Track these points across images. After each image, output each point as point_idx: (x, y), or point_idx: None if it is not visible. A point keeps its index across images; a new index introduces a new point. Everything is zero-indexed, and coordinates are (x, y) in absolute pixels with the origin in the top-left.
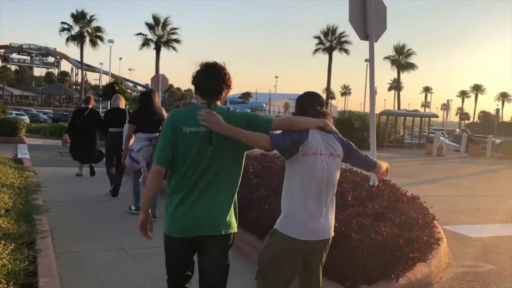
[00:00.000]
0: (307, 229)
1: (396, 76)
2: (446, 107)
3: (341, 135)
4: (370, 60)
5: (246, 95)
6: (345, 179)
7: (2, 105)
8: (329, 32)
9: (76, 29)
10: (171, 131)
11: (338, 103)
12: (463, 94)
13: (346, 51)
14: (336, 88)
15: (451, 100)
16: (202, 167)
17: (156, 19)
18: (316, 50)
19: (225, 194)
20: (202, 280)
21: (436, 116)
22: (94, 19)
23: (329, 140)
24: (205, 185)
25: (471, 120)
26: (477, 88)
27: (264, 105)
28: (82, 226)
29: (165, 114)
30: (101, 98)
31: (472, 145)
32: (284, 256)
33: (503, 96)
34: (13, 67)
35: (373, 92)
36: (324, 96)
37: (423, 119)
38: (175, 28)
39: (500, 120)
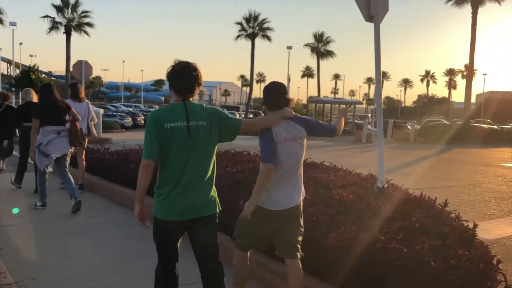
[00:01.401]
0: (279, 202)
1: (309, 63)
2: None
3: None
4: (376, 44)
5: (159, 83)
6: (344, 180)
7: None
8: (251, 18)
9: None
10: (154, 127)
11: (254, 91)
12: (369, 81)
13: (268, 37)
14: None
15: (360, 86)
16: (185, 157)
17: (64, 1)
18: (238, 36)
19: (208, 179)
20: (200, 252)
21: (361, 103)
22: None
23: (289, 127)
24: (191, 173)
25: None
26: (383, 75)
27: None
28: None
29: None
30: (13, 89)
31: (396, 131)
32: (261, 222)
33: (405, 82)
34: None
35: (379, 79)
36: (240, 83)
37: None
38: (87, 11)
39: (403, 105)
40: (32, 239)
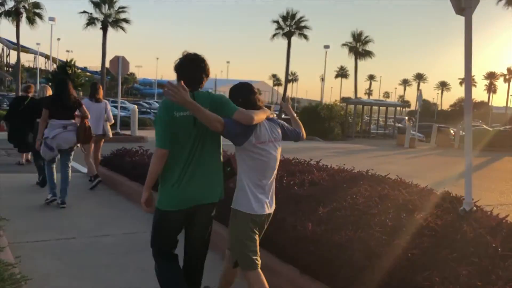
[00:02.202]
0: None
1: (343, 64)
2: (419, 97)
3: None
4: (466, 39)
5: None
6: (421, 199)
7: None
8: (288, 16)
9: (10, 4)
10: (167, 115)
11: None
12: (405, 83)
13: (305, 36)
14: (282, 75)
15: (396, 88)
16: (192, 146)
17: None
18: (274, 35)
19: (214, 167)
20: (190, 248)
21: (408, 106)
22: None
23: (272, 128)
24: (197, 161)
25: (412, 108)
26: (419, 77)
27: (210, 90)
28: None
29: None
30: (50, 84)
31: (440, 136)
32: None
33: (443, 85)
34: None
35: (469, 78)
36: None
37: (388, 108)
38: (123, 7)
39: (439, 108)
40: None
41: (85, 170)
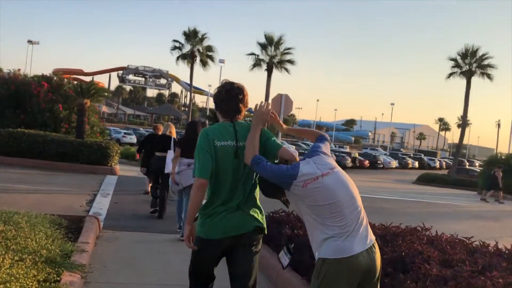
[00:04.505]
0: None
1: None
2: None
3: None
4: None
5: (350, 122)
6: None
7: (101, 124)
8: (468, 53)
9: (187, 47)
10: (207, 145)
11: (454, 135)
12: None
13: (489, 76)
14: (452, 119)
15: None
16: (232, 177)
17: (269, 38)
18: (450, 74)
19: (252, 199)
20: (235, 281)
21: None
22: (206, 37)
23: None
24: (236, 192)
25: None
26: None
27: (369, 133)
28: None
29: None
30: (207, 120)
31: None
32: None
33: None
34: (127, 88)
35: None
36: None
37: None
38: (289, 48)
39: None
40: None
41: None
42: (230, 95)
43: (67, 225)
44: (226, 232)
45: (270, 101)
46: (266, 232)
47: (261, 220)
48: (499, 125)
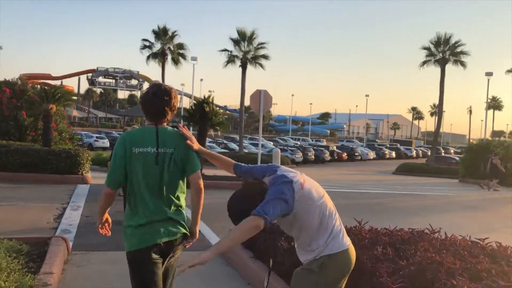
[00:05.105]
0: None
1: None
2: None
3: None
4: None
5: (325, 116)
6: None
7: (70, 130)
8: (441, 41)
9: (157, 46)
10: (123, 151)
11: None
12: None
13: (462, 63)
14: (424, 108)
15: None
16: (155, 184)
17: (241, 33)
18: (424, 62)
19: (178, 204)
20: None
21: None
22: (176, 35)
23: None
24: (162, 198)
25: None
26: None
27: (344, 126)
28: None
29: None
30: (185, 122)
31: None
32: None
33: None
34: (98, 90)
35: None
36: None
37: None
38: (263, 43)
39: None
40: None
41: None
42: (156, 96)
43: (29, 251)
44: (154, 240)
45: (248, 99)
46: (189, 235)
47: (185, 226)
48: (470, 111)
